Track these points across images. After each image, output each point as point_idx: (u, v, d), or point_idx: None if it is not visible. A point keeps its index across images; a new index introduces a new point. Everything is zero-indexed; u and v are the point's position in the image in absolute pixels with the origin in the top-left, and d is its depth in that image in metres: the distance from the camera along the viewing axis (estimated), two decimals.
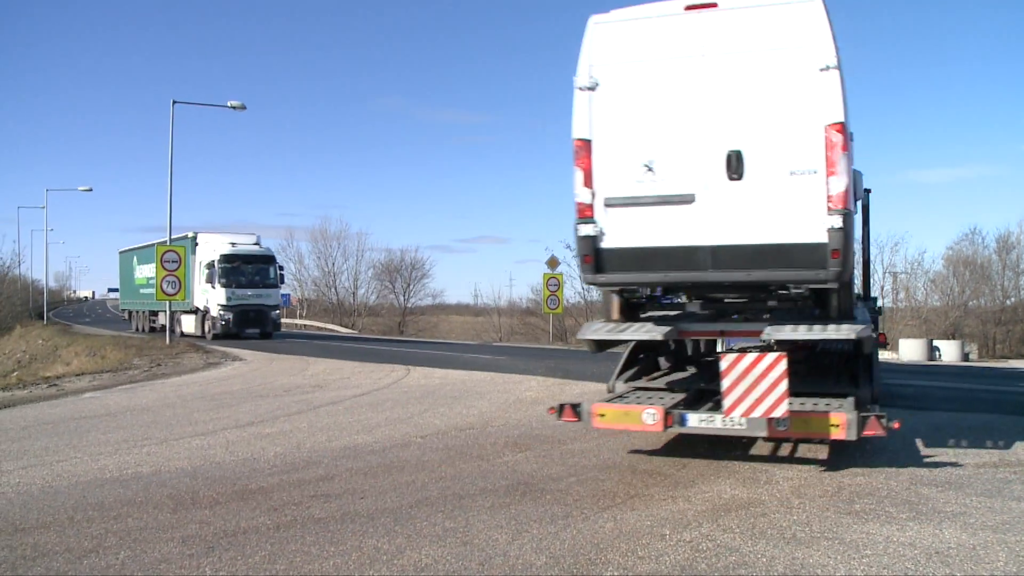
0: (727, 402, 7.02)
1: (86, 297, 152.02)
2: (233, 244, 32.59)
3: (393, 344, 32.44)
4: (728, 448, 8.45)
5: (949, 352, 31.03)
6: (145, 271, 37.84)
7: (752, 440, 8.50)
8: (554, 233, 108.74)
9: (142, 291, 39.19)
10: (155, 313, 37.25)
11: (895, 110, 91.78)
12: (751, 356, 7.00)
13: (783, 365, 6.85)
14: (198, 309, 32.79)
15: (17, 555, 5.19)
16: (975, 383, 17.00)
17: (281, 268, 33.93)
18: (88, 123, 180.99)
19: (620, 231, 7.65)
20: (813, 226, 7.00)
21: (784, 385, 6.85)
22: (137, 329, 40.03)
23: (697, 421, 7.38)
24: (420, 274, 66.17)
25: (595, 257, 7.74)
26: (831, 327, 7.52)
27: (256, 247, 33.63)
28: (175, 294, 28.16)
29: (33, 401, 13.99)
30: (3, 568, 4.94)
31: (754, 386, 6.89)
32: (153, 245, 36.08)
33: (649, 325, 8.21)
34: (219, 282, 31.27)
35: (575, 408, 7.99)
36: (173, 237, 30.85)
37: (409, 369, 17.63)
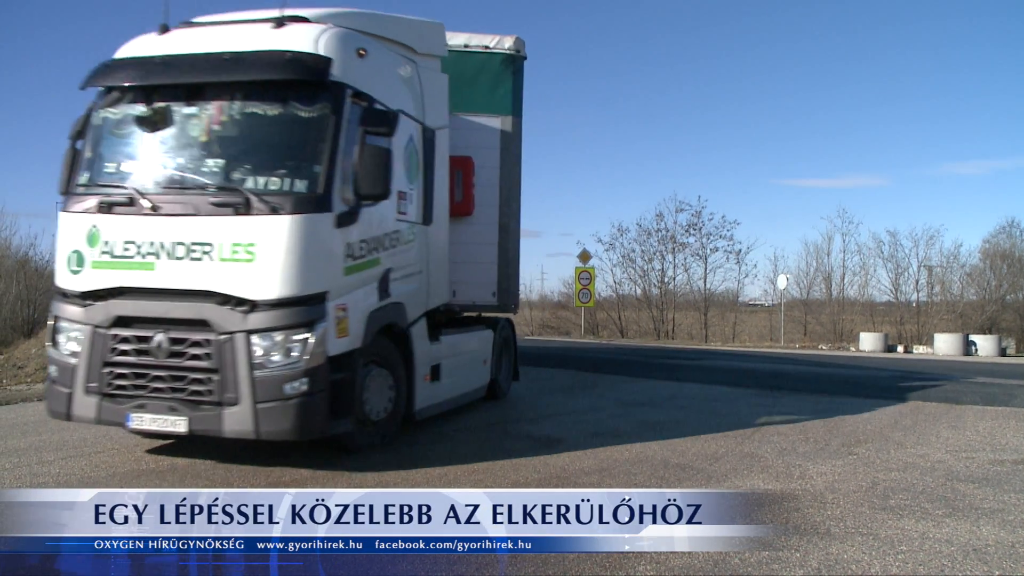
0: None
1: None
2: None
3: None
4: (759, 443, 8.39)
5: (986, 347, 30.46)
6: None
7: None
8: (586, 227, 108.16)
9: None
10: None
11: (930, 101, 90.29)
12: None
13: None
14: None
15: None
16: None
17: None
18: None
19: None
20: None
21: None
22: None
23: None
24: None
25: None
26: None
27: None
28: None
29: None
30: None
31: None
32: None
33: None
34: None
35: None
36: None
37: None
